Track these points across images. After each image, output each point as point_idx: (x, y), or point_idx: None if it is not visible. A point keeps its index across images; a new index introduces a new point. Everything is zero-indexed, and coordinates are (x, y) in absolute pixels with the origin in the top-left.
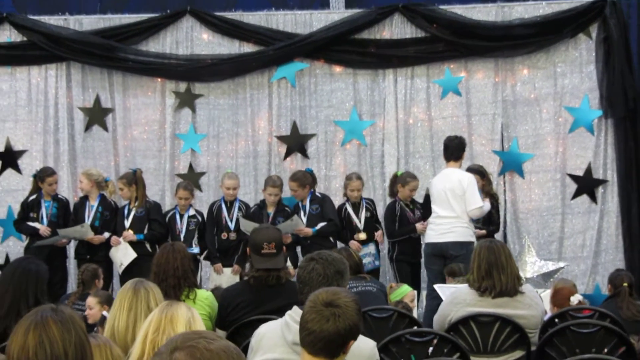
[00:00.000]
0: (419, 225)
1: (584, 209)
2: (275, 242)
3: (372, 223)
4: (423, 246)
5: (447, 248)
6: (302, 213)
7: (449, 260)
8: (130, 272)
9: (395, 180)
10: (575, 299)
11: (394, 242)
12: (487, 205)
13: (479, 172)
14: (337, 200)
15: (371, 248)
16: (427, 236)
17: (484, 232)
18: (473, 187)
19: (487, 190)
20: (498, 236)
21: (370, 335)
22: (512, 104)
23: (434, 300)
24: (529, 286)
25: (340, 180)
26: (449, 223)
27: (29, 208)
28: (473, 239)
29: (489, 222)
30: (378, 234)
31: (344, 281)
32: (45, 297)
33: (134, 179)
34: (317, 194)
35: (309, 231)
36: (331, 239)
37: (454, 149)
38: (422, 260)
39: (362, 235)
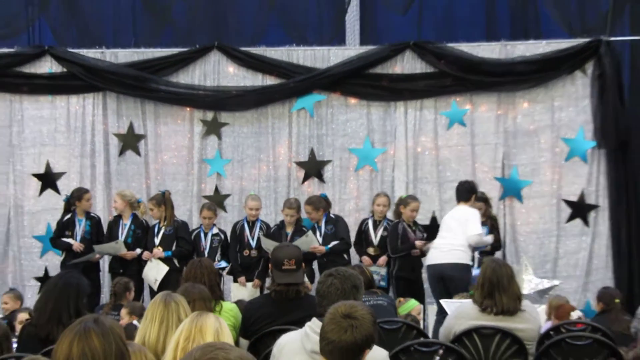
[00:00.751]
0: (418, 242)
1: (577, 231)
2: (295, 259)
3: (386, 242)
4: (424, 267)
5: (445, 269)
6: (317, 233)
7: (446, 281)
8: (159, 285)
9: (399, 202)
10: (575, 315)
11: (394, 258)
12: (488, 238)
13: (483, 199)
14: (350, 220)
15: (382, 270)
16: (429, 258)
17: (488, 247)
18: (475, 218)
19: (488, 214)
20: (498, 255)
21: (381, 345)
22: (512, 134)
23: (441, 316)
24: (528, 302)
25: (355, 203)
26: (449, 245)
27: (65, 227)
28: (470, 263)
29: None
30: (381, 258)
31: (360, 295)
32: (85, 308)
33: (163, 200)
34: (332, 215)
35: (322, 249)
36: (345, 256)
37: (464, 191)
38: (425, 278)
39: (375, 251)
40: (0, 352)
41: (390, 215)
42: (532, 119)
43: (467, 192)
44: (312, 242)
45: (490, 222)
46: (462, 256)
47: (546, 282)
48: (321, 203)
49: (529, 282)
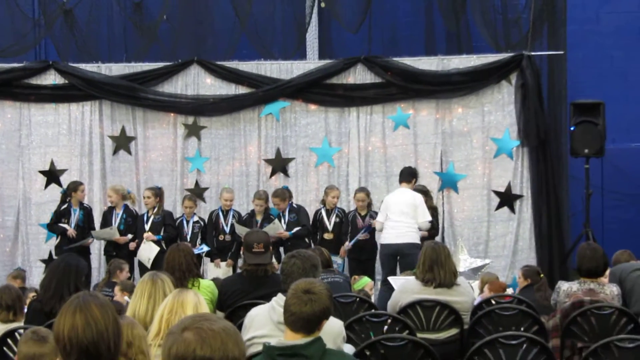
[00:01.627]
0: (361, 236)
1: (504, 217)
2: (264, 243)
3: (339, 227)
4: (379, 247)
5: (403, 248)
6: (282, 220)
7: (401, 258)
8: (152, 263)
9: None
10: (509, 291)
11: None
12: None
13: (423, 191)
14: (311, 210)
15: (338, 260)
16: (385, 238)
17: (426, 234)
18: (423, 205)
19: (429, 204)
20: (438, 238)
21: (337, 317)
22: (449, 135)
23: (387, 291)
24: (462, 278)
25: (315, 194)
26: (404, 227)
27: (61, 215)
28: (419, 242)
29: (430, 227)
30: (342, 250)
31: (318, 273)
32: (83, 285)
33: (160, 193)
34: (294, 205)
35: (286, 234)
36: (306, 240)
37: (406, 174)
38: (378, 257)
39: (329, 235)
40: (14, 312)
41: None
42: (465, 121)
43: (409, 174)
44: (278, 228)
45: (430, 212)
46: (416, 237)
47: (479, 261)
48: (286, 194)
49: (464, 261)
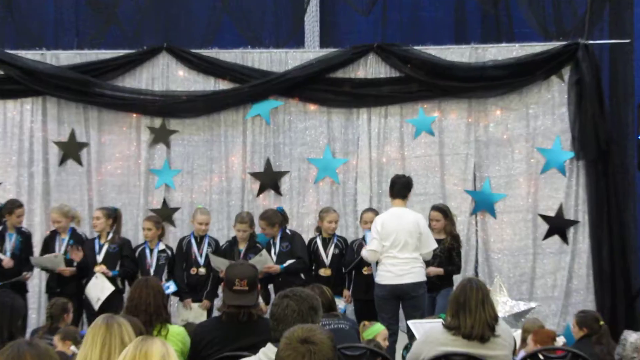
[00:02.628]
0: (363, 251)
1: (555, 249)
2: (248, 280)
3: (339, 260)
4: (377, 287)
5: (407, 289)
6: (272, 251)
7: (404, 301)
8: (100, 308)
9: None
10: (561, 341)
11: (350, 277)
12: None
13: (443, 211)
14: (309, 237)
15: (340, 303)
16: (383, 277)
17: (441, 270)
18: (428, 231)
19: (448, 231)
20: (468, 274)
21: None
22: (484, 144)
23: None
24: (504, 325)
25: (314, 217)
26: (407, 264)
27: None
28: (425, 278)
29: (448, 262)
30: (347, 295)
31: (318, 317)
32: (19, 331)
33: (114, 215)
34: (288, 231)
35: (277, 268)
36: (302, 275)
37: (401, 187)
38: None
39: (326, 271)
40: None
41: (339, 233)
42: (505, 127)
43: (404, 187)
44: (266, 261)
45: (449, 241)
46: (422, 273)
47: (522, 304)
48: (277, 218)
49: (503, 305)
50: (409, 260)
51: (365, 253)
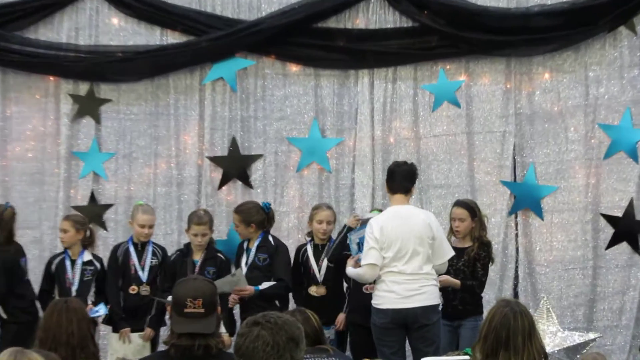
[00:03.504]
0: (352, 270)
1: (623, 261)
2: (204, 299)
3: (336, 276)
4: (374, 312)
5: (417, 316)
6: (243, 260)
7: (413, 331)
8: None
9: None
10: None
11: (348, 290)
12: None
13: (470, 208)
14: (291, 245)
15: (330, 332)
16: (384, 300)
17: (458, 282)
18: (442, 232)
19: (476, 236)
20: (505, 294)
21: None
22: (528, 119)
23: None
24: None
25: (295, 217)
26: (415, 281)
27: None
28: (439, 300)
29: (470, 276)
30: (340, 319)
31: (299, 352)
32: None
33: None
34: (271, 239)
35: (251, 290)
36: (277, 303)
37: (403, 178)
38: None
39: (320, 290)
40: None
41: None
42: (556, 96)
43: (407, 178)
44: (239, 282)
45: (476, 250)
46: (435, 293)
47: (578, 335)
48: (257, 215)
49: (552, 336)
50: (418, 277)
51: (359, 271)
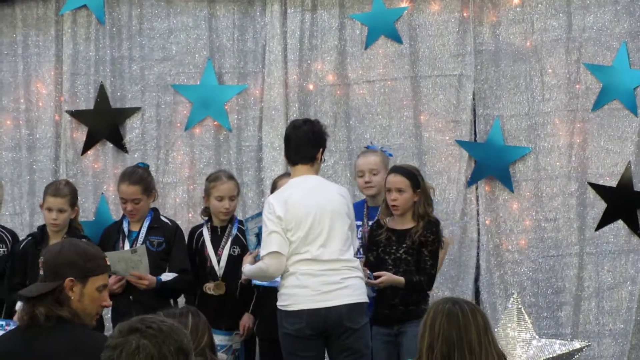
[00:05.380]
0: (248, 267)
1: (618, 245)
2: (45, 260)
3: (239, 268)
4: (283, 317)
5: (341, 317)
6: (121, 244)
7: (335, 340)
8: None
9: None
10: None
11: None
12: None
13: (410, 175)
14: (182, 224)
15: (234, 341)
16: (295, 298)
17: (401, 279)
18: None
19: (421, 213)
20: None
21: None
22: (492, 58)
23: None
24: None
25: (183, 191)
26: (336, 272)
27: None
28: (368, 299)
29: (415, 267)
30: (244, 323)
31: None
32: None
33: None
34: (163, 217)
35: (152, 281)
36: (172, 301)
37: (303, 144)
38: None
39: (218, 287)
40: None
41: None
42: (529, 28)
43: (309, 143)
44: (138, 266)
45: (420, 232)
46: (360, 287)
47: (559, 344)
48: (151, 181)
49: (525, 345)
50: (339, 266)
51: (260, 265)
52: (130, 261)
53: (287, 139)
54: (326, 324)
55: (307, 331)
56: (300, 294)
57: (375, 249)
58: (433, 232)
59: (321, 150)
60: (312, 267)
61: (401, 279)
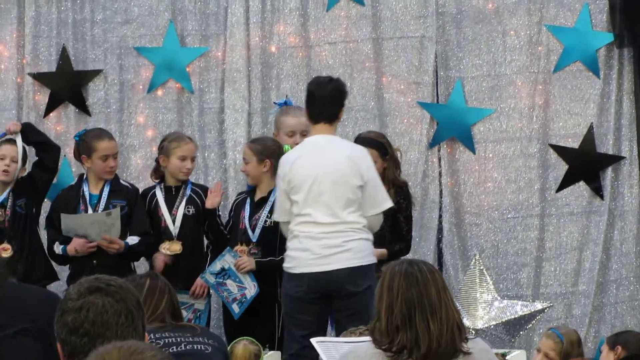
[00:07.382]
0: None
1: (580, 207)
2: None
3: (196, 227)
4: (285, 279)
5: (341, 281)
6: (82, 207)
7: (338, 300)
8: None
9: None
10: None
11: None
12: None
13: (379, 146)
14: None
15: (200, 303)
16: (297, 261)
17: (384, 251)
18: (376, 173)
19: (390, 178)
20: (422, 255)
21: None
22: (454, 19)
23: None
24: (479, 342)
25: (144, 153)
26: (337, 235)
27: None
28: (374, 259)
29: (392, 234)
30: (198, 286)
31: (140, 324)
32: None
33: None
34: (123, 181)
35: (121, 245)
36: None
37: (328, 102)
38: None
39: (174, 246)
40: None
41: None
42: None
43: (332, 101)
44: (110, 230)
45: (393, 197)
46: (366, 247)
47: (520, 305)
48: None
49: (487, 307)
50: (341, 229)
51: None
52: (104, 224)
53: (312, 96)
54: (327, 287)
55: (310, 295)
56: (301, 257)
57: None
58: (405, 197)
59: (341, 109)
60: (313, 230)
61: (383, 250)
